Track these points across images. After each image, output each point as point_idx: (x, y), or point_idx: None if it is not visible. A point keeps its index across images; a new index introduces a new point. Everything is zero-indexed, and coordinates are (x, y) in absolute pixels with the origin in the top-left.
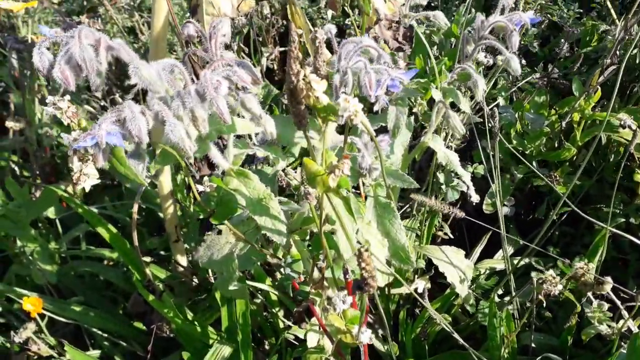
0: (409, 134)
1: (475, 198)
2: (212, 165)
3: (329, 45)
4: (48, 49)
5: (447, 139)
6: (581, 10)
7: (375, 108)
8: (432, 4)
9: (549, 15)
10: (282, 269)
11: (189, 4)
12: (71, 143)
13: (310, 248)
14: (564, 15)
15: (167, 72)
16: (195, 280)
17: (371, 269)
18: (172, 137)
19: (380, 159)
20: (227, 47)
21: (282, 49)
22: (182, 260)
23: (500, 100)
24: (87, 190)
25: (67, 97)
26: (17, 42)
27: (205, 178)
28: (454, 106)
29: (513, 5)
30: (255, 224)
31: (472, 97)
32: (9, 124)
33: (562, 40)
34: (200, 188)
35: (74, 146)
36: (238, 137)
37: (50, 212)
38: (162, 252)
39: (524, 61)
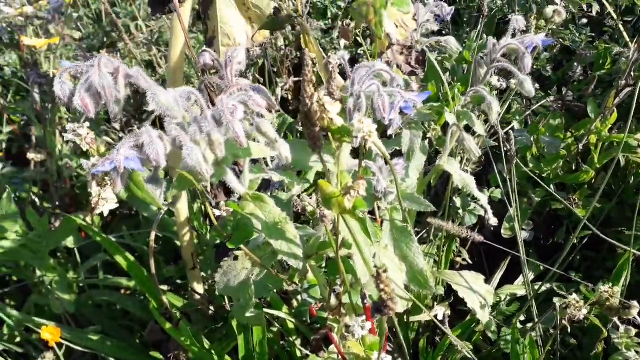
0: (424, 158)
1: (493, 221)
2: (228, 192)
3: (342, 72)
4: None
5: (463, 163)
6: (593, 34)
7: (389, 132)
8: (443, 31)
9: (561, 40)
10: (298, 296)
11: (204, 37)
12: (90, 168)
13: (326, 273)
14: (576, 40)
15: (184, 99)
16: (212, 308)
17: (390, 290)
18: (190, 161)
19: (396, 182)
20: (243, 76)
21: (296, 79)
22: (199, 288)
23: (515, 124)
24: (105, 214)
25: (87, 124)
26: (40, 76)
27: (222, 203)
28: (468, 130)
29: (524, 29)
30: (272, 249)
31: (486, 121)
32: (31, 155)
33: (575, 63)
34: (217, 213)
35: (93, 171)
36: (254, 162)
37: (69, 242)
38: (178, 281)
39: (537, 85)
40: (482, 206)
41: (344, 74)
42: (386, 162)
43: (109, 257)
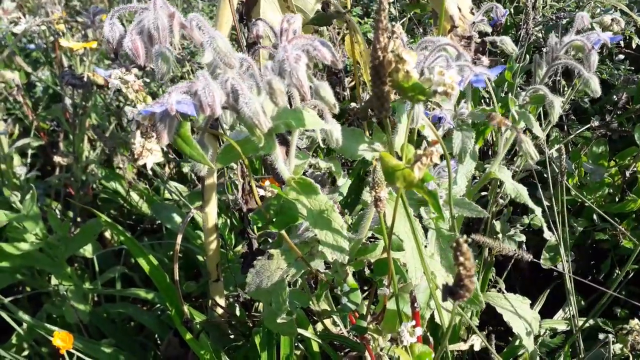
0: (474, 164)
1: (547, 234)
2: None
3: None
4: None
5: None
6: (632, 68)
7: (440, 132)
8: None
9: (598, 73)
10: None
11: (246, 39)
12: (135, 115)
13: (373, 274)
14: (614, 73)
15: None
16: (233, 324)
17: (471, 265)
18: (247, 110)
19: (449, 181)
20: None
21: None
22: (221, 302)
23: (554, 152)
24: (149, 166)
25: (135, 70)
26: (74, 77)
27: (267, 183)
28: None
29: (589, 26)
30: (309, 251)
31: (534, 137)
32: (57, 158)
33: (614, 96)
34: (261, 192)
35: (143, 112)
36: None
37: (87, 251)
38: (195, 300)
39: (573, 117)
40: (537, 221)
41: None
42: (442, 158)
43: (127, 269)
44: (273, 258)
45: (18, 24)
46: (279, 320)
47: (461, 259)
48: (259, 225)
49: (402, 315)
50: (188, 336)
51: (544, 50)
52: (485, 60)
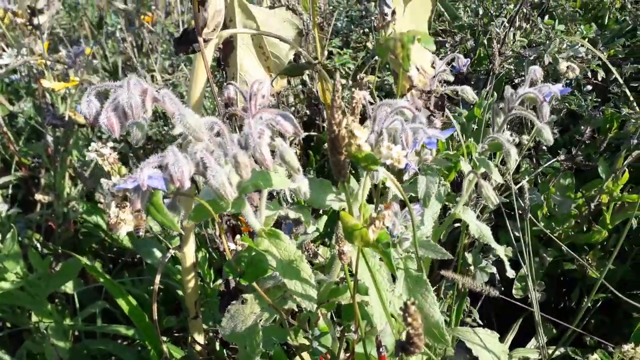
0: (439, 206)
1: (510, 273)
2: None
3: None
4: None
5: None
6: (599, 100)
7: (405, 177)
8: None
9: (567, 104)
10: (304, 352)
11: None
12: (110, 188)
13: (341, 319)
14: (582, 104)
15: (207, 128)
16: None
17: (418, 325)
18: (214, 182)
19: (413, 227)
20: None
21: (306, 133)
22: (200, 338)
23: (524, 183)
24: (121, 237)
25: (110, 144)
26: (55, 118)
27: (238, 237)
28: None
29: (542, 79)
30: (281, 295)
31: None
32: (39, 196)
33: (582, 127)
34: (232, 247)
35: (116, 187)
36: (269, 198)
37: (68, 288)
38: (177, 334)
39: (544, 147)
40: (497, 259)
41: (363, 115)
42: (404, 206)
43: (108, 304)
44: (247, 303)
45: (0, 56)
46: None
47: (409, 319)
48: (230, 277)
49: (371, 358)
50: None
51: (508, 94)
52: (437, 122)
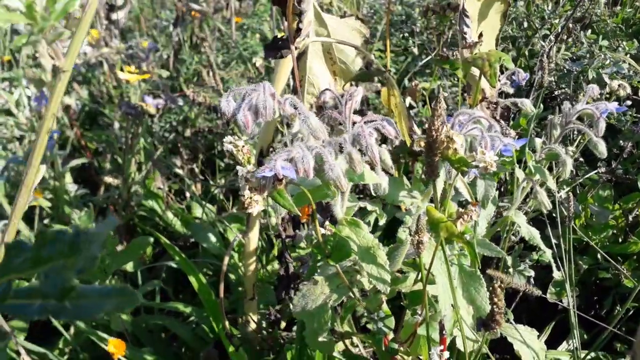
0: (494, 208)
1: (557, 274)
2: (296, 226)
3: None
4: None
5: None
6: (638, 115)
7: (466, 179)
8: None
9: (606, 118)
10: (348, 338)
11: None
12: (245, 174)
13: (408, 304)
14: (621, 119)
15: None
16: (266, 338)
17: (502, 305)
18: (332, 174)
19: (475, 226)
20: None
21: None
22: (254, 318)
23: (563, 194)
24: (254, 214)
25: (244, 137)
26: (129, 107)
27: (326, 223)
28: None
29: (598, 96)
30: (349, 278)
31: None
32: (108, 179)
33: (621, 141)
34: (322, 231)
35: (257, 174)
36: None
37: (129, 266)
38: (227, 315)
39: (581, 159)
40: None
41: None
42: (471, 204)
43: (162, 284)
44: (317, 284)
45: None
46: (320, 339)
47: (495, 299)
48: (319, 258)
49: (431, 340)
50: (231, 349)
51: (566, 109)
52: (512, 132)
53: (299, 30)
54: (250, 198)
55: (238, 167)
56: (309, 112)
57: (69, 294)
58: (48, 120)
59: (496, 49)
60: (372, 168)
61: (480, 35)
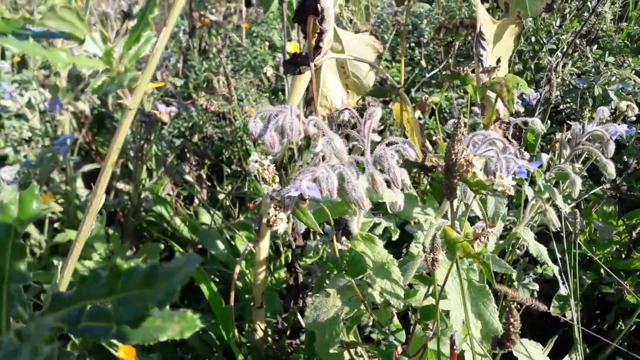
0: (502, 224)
1: (564, 290)
2: (306, 236)
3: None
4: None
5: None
6: None
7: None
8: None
9: None
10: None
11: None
12: (271, 193)
13: (420, 318)
14: (624, 136)
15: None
16: (274, 347)
17: (518, 325)
18: (354, 195)
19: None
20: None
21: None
22: (262, 326)
23: (567, 209)
24: (280, 232)
25: (270, 156)
26: (144, 115)
27: (343, 239)
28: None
29: (608, 118)
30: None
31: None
32: (120, 185)
33: (625, 157)
34: (339, 247)
35: (284, 194)
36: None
37: None
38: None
39: (585, 173)
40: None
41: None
42: (485, 222)
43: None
44: (329, 296)
45: None
46: (331, 350)
47: (512, 319)
48: (335, 272)
49: (442, 355)
50: (240, 357)
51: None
52: (526, 154)
53: (318, 47)
54: (276, 216)
55: (264, 185)
56: (333, 133)
57: (143, 321)
58: (114, 153)
59: (509, 69)
60: (389, 185)
61: (498, 60)
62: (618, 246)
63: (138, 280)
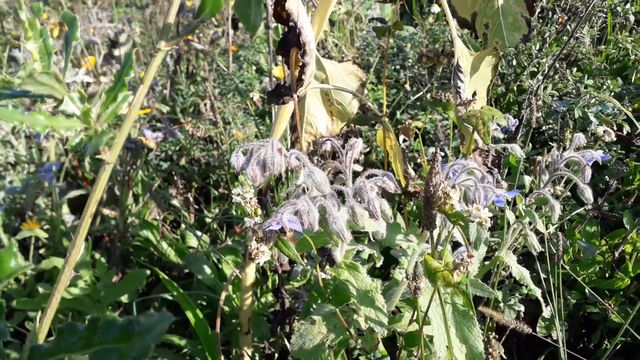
0: (485, 248)
1: (546, 313)
2: (292, 262)
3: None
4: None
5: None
6: (623, 152)
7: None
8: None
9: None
10: None
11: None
12: (252, 226)
13: (404, 345)
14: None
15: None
16: None
17: (497, 355)
18: (335, 227)
19: (467, 268)
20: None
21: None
22: (249, 352)
23: (552, 229)
24: (260, 264)
25: (252, 190)
26: (130, 141)
27: (327, 267)
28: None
29: (584, 144)
30: (346, 318)
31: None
32: (106, 211)
33: (607, 177)
34: (323, 275)
35: (266, 228)
36: None
37: (124, 297)
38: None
39: (569, 193)
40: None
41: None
42: (467, 248)
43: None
44: (315, 323)
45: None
46: None
47: (491, 350)
48: (319, 301)
49: None
50: None
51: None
52: (504, 184)
53: (300, 80)
54: (257, 249)
55: (246, 219)
56: (313, 166)
57: None
58: (92, 205)
59: (487, 98)
60: (371, 215)
61: (474, 94)
62: (602, 265)
63: (114, 334)
